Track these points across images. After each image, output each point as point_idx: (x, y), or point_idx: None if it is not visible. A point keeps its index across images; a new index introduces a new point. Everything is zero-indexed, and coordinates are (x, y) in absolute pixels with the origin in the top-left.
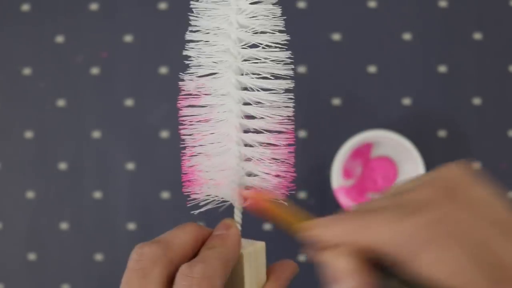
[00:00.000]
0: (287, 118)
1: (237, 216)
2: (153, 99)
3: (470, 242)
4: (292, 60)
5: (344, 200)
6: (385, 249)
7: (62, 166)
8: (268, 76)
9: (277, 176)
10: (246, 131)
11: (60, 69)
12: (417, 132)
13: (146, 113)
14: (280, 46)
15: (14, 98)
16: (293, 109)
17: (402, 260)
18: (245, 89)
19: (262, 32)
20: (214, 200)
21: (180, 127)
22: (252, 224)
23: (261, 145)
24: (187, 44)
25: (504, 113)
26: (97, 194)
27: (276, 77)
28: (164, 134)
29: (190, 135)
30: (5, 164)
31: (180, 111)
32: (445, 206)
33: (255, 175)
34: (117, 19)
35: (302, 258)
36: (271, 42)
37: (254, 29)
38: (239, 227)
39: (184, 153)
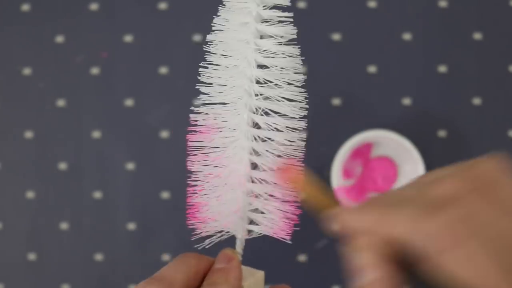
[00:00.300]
0: (298, 158)
1: (239, 247)
2: (153, 99)
3: (498, 246)
4: (307, 100)
5: (344, 200)
6: (409, 243)
7: (62, 166)
8: (281, 115)
9: (283, 216)
10: (255, 168)
11: (60, 69)
12: (417, 132)
13: (146, 113)
14: (296, 85)
15: (14, 98)
16: (304, 150)
17: (426, 256)
18: (257, 126)
19: (280, 73)
20: (218, 233)
21: (188, 161)
22: None
23: (268, 183)
24: (200, 76)
25: (504, 113)
26: (97, 194)
27: (289, 116)
28: (164, 134)
29: (197, 171)
30: (5, 164)
31: (189, 144)
32: (473, 203)
33: (261, 212)
34: (117, 19)
35: (302, 258)
36: (288, 81)
37: (271, 70)
38: (240, 257)
39: (190, 187)
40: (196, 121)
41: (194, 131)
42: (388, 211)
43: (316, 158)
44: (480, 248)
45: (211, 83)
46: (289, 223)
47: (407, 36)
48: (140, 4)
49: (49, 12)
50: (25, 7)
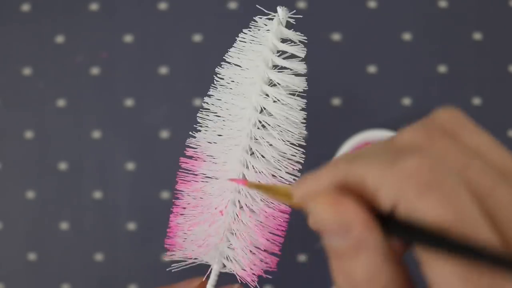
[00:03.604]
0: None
1: (213, 279)
2: (153, 99)
3: (476, 190)
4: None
5: None
6: (381, 191)
7: (62, 166)
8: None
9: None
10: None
11: (60, 69)
12: None
13: (146, 113)
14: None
15: (14, 98)
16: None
17: (397, 203)
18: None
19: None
20: (192, 261)
21: (177, 186)
22: None
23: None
24: (201, 110)
25: (504, 113)
26: (97, 194)
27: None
28: (164, 134)
29: (184, 196)
30: (5, 164)
31: (180, 172)
32: (440, 147)
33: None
34: (117, 19)
35: (302, 258)
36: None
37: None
38: None
39: (174, 208)
40: (194, 148)
41: (190, 157)
42: (349, 161)
43: (316, 158)
44: (456, 189)
45: (214, 112)
46: (257, 271)
47: (407, 36)
48: (140, 4)
49: (49, 12)
50: (25, 7)
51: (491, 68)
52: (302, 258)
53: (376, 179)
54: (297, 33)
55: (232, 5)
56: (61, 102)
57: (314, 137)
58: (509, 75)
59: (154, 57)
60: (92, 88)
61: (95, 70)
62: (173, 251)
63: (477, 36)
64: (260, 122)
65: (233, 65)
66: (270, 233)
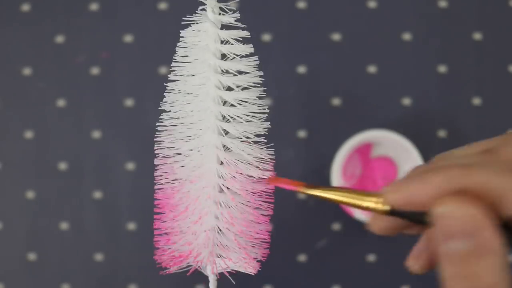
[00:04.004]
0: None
1: (212, 285)
2: (153, 99)
3: None
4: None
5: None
6: (504, 198)
7: (62, 166)
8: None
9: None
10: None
11: (60, 69)
12: (417, 132)
13: (146, 113)
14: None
15: (14, 98)
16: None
17: None
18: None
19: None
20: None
21: (156, 191)
22: None
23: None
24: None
25: (504, 113)
26: (97, 194)
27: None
28: None
29: (165, 199)
30: (5, 164)
31: (156, 174)
32: None
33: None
34: (117, 19)
35: (302, 258)
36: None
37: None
38: None
39: (157, 219)
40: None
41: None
42: (472, 169)
43: (316, 158)
44: None
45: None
46: (255, 254)
47: (407, 36)
48: (140, 4)
49: (49, 12)
50: (25, 7)
51: (491, 68)
52: (302, 258)
53: (501, 187)
54: (237, 31)
55: (232, 5)
56: (61, 102)
57: (314, 137)
58: (509, 75)
59: (154, 57)
60: (92, 88)
61: (95, 70)
62: (165, 258)
63: (477, 36)
64: (223, 100)
65: (184, 66)
66: (257, 210)
